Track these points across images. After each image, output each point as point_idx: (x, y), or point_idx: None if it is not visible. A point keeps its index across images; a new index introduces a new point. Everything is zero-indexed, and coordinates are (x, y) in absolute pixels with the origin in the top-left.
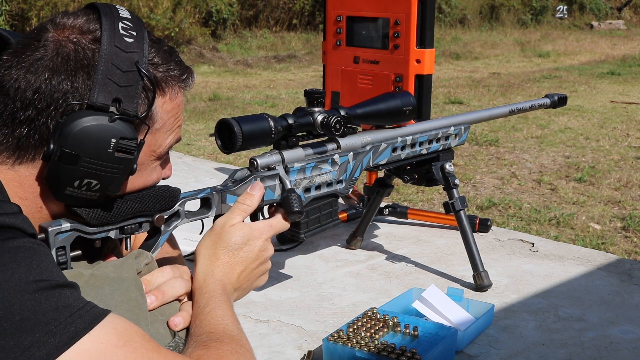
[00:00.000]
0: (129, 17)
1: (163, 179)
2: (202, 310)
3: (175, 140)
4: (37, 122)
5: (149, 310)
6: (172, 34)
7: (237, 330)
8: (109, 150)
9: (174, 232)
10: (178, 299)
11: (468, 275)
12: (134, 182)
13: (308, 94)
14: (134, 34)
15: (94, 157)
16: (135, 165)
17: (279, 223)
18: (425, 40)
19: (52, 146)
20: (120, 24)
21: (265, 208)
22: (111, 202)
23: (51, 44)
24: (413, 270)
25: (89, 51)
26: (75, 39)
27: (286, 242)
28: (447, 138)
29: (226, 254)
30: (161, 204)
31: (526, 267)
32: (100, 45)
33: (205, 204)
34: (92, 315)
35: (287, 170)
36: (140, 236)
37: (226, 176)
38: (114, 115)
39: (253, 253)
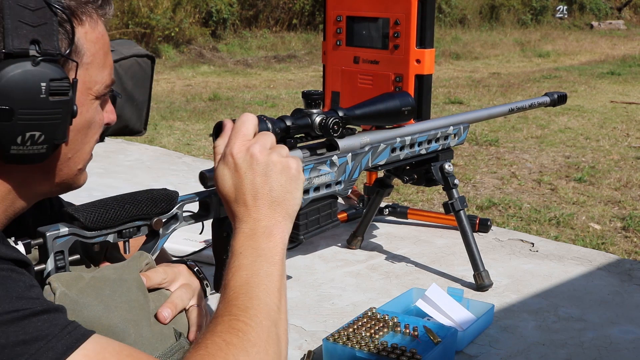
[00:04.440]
0: None
1: (107, 124)
2: (221, 290)
3: (110, 80)
4: None
5: (165, 324)
6: (172, 34)
7: (248, 300)
8: (42, 96)
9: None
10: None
11: (468, 275)
12: (80, 127)
13: (306, 95)
14: None
15: (29, 107)
16: (75, 107)
17: (238, 122)
18: (425, 40)
19: None
20: None
21: None
22: (109, 206)
23: None
24: (413, 270)
25: None
26: None
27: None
28: (446, 138)
29: (234, 201)
30: (159, 207)
31: (526, 267)
32: None
33: (204, 206)
34: (66, 343)
35: None
36: (139, 239)
37: None
38: (36, 58)
39: (238, 161)
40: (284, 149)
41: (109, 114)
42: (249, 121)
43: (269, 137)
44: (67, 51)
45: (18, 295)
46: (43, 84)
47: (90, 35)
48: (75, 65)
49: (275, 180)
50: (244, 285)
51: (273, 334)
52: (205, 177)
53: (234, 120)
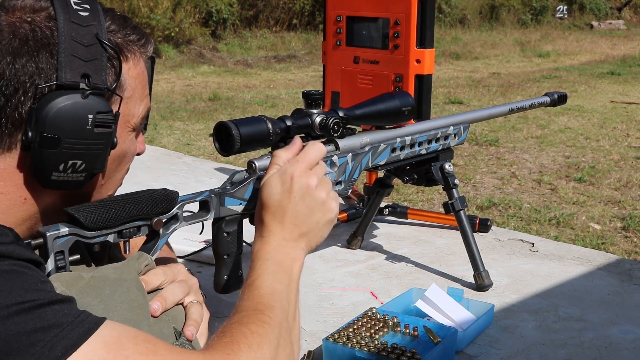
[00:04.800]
0: None
1: (138, 154)
2: (245, 286)
3: (147, 110)
4: (7, 109)
5: (155, 317)
6: (172, 34)
7: (272, 300)
8: (88, 127)
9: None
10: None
11: (468, 275)
12: (115, 157)
13: (306, 95)
14: (87, 7)
15: (75, 137)
16: (115, 139)
17: (310, 149)
18: (425, 40)
19: (30, 134)
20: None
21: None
22: (109, 206)
23: (5, 28)
24: (413, 270)
25: (46, 29)
26: (29, 19)
27: None
28: (446, 138)
29: (271, 214)
30: (159, 207)
31: (526, 267)
32: (57, 23)
33: (204, 206)
34: (81, 331)
35: None
36: (139, 240)
37: (226, 176)
38: (86, 91)
39: (295, 186)
40: (329, 184)
41: (140, 145)
42: (319, 152)
43: (323, 169)
44: (113, 86)
45: (32, 288)
46: (90, 116)
47: (133, 72)
48: (119, 100)
49: (315, 217)
50: (269, 287)
51: (288, 337)
52: (253, 167)
53: (303, 139)
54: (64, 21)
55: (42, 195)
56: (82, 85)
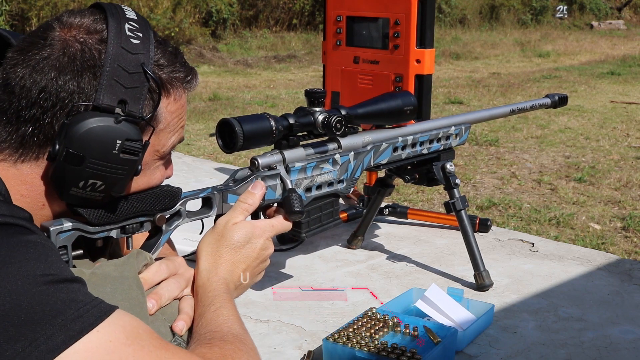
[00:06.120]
0: (135, 18)
1: (165, 179)
2: (207, 309)
3: (179, 141)
4: (42, 122)
5: (150, 315)
6: (172, 34)
7: (241, 330)
8: (114, 152)
9: (174, 232)
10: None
11: (468, 275)
12: (138, 182)
13: (309, 93)
14: (140, 35)
15: (99, 158)
16: (139, 166)
17: (281, 224)
18: (425, 40)
19: (57, 147)
20: (127, 25)
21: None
22: (113, 202)
23: (58, 43)
24: (413, 270)
25: (95, 52)
26: (82, 39)
27: (287, 242)
28: (447, 138)
29: (229, 252)
30: (162, 204)
31: (526, 267)
32: (106, 46)
33: (207, 203)
34: (100, 311)
35: (288, 170)
36: (141, 236)
37: (226, 176)
38: (120, 116)
39: (254, 251)
40: (272, 247)
41: (168, 171)
42: (287, 227)
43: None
44: (148, 116)
45: (55, 263)
46: (118, 142)
47: (171, 107)
48: (151, 130)
49: (253, 280)
50: (233, 317)
51: None
52: (256, 164)
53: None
54: (114, 45)
55: (59, 203)
56: (118, 111)
